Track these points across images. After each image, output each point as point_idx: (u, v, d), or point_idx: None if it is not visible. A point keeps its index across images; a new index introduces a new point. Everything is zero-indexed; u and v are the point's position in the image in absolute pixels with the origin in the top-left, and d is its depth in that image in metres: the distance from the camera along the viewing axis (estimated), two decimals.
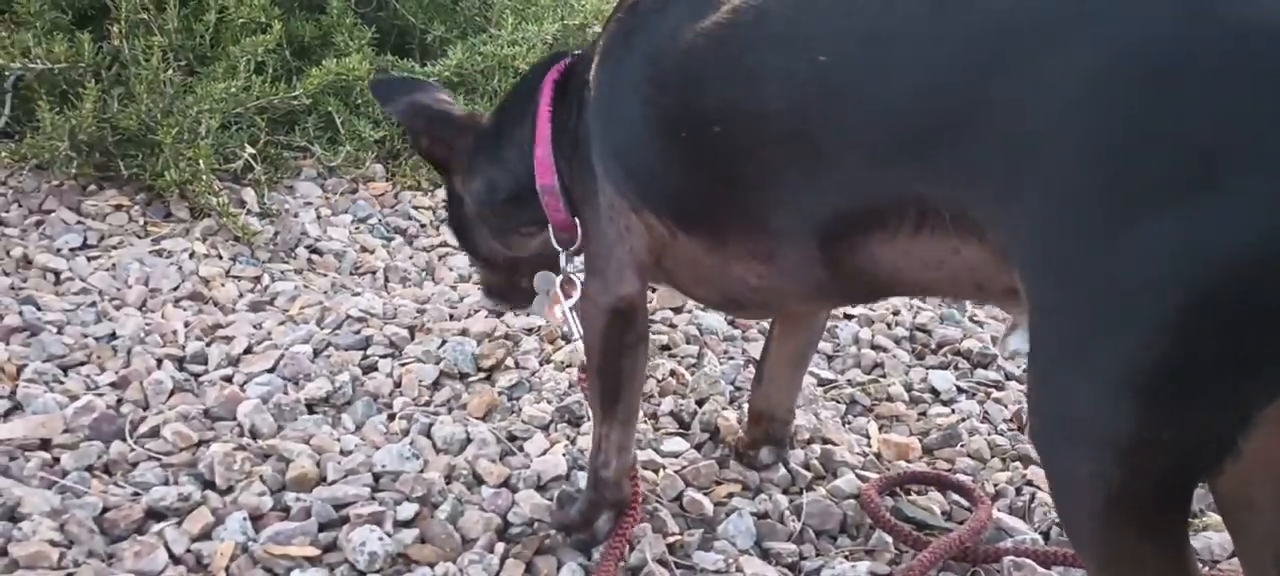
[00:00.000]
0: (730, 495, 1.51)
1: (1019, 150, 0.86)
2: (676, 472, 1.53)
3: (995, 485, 1.58)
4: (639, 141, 1.19)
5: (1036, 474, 1.60)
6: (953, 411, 1.77)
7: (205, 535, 1.34)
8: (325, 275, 2.09)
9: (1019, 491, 1.57)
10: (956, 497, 1.55)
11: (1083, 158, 0.82)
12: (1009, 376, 1.89)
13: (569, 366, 1.78)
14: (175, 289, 1.94)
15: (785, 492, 1.53)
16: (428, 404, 1.67)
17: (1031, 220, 0.86)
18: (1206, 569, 1.46)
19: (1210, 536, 1.50)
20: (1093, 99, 0.82)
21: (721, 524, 1.44)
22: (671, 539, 1.40)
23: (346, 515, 1.38)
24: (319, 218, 2.28)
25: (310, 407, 1.63)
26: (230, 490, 1.42)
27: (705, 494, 1.50)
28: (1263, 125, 0.76)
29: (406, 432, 1.58)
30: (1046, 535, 1.49)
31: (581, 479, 1.50)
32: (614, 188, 1.24)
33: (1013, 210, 0.88)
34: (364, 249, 2.21)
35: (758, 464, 1.57)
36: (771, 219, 1.10)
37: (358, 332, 1.83)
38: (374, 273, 2.12)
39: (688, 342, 1.89)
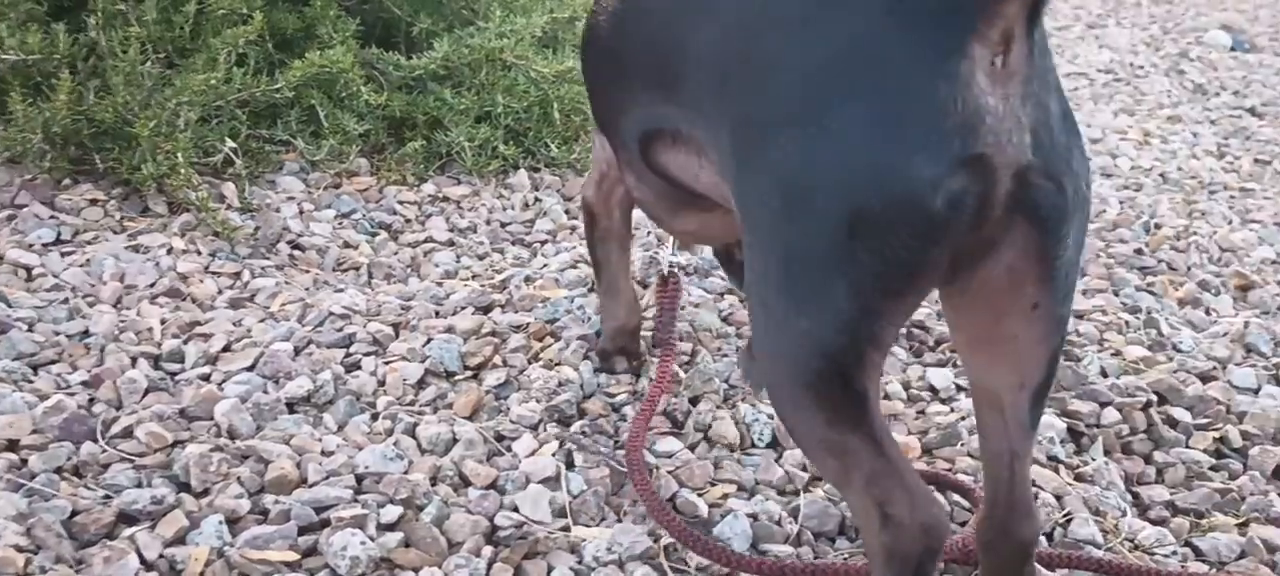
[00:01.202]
0: (725, 496, 1.46)
1: (699, 87, 1.08)
2: (670, 474, 1.48)
3: None
4: (591, 68, 1.47)
5: (1039, 473, 1.56)
6: (951, 410, 1.72)
7: (179, 539, 1.29)
8: (307, 271, 2.03)
9: None
10: (957, 498, 1.50)
11: (728, 92, 1.01)
12: None
13: (558, 365, 1.73)
14: (152, 285, 1.89)
15: (782, 493, 1.49)
16: (412, 403, 1.62)
17: (712, 144, 1.08)
18: (1214, 570, 1.42)
19: (1217, 537, 1.46)
20: (728, 44, 1.01)
21: (717, 526, 1.39)
22: (665, 541, 1.36)
23: (327, 518, 1.33)
24: (301, 213, 2.22)
25: (290, 407, 1.57)
26: (206, 492, 1.37)
27: (700, 495, 1.45)
28: (856, 62, 0.89)
29: (390, 433, 1.53)
30: (1049, 536, 1.45)
31: (573, 480, 1.45)
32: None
33: (705, 135, 1.11)
34: (347, 244, 2.15)
35: None
36: (622, 135, 1.36)
37: (340, 330, 1.77)
38: (357, 269, 2.06)
39: (681, 340, 1.83)
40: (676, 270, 1.76)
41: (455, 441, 1.51)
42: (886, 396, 1.73)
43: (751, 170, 0.96)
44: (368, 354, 1.72)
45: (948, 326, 1.06)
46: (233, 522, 1.32)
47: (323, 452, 1.47)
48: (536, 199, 2.41)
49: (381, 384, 1.65)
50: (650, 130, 1.27)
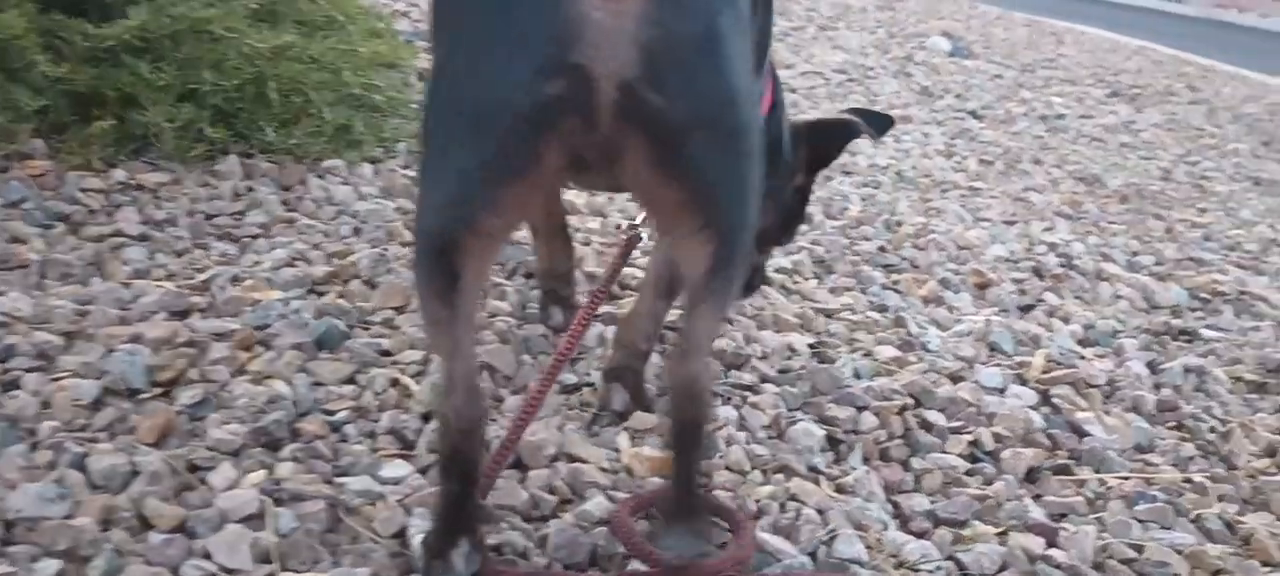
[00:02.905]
0: None
1: None
2: (398, 503, 1.29)
3: (757, 501, 1.43)
4: None
5: (800, 486, 1.46)
6: None
7: None
8: None
9: (783, 507, 1.43)
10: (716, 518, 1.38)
11: None
12: (765, 378, 1.75)
13: (268, 378, 1.50)
14: None
15: (527, 520, 1.32)
16: (84, 428, 1.35)
17: None
18: None
19: (979, 549, 1.40)
20: None
21: (453, 552, 1.21)
22: None
23: None
24: None
25: None
26: None
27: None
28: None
29: (52, 466, 1.26)
30: (814, 555, 1.35)
31: (283, 517, 1.24)
32: None
33: None
34: (15, 238, 1.82)
35: (609, 402, 1.58)
36: None
37: None
38: (26, 267, 1.74)
39: (412, 347, 1.64)
40: (636, 226, 1.68)
41: (135, 474, 1.26)
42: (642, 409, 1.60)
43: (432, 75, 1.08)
44: (31, 369, 1.44)
45: None
46: None
47: None
48: (249, 188, 2.14)
49: (45, 406, 1.38)
50: None
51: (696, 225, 1.08)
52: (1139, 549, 1.47)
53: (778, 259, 2.28)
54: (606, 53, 0.94)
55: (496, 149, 0.99)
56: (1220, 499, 1.65)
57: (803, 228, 2.45)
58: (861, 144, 3.41)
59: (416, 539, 1.22)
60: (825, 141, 1.79)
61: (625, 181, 1.07)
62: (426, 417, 1.48)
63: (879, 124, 1.81)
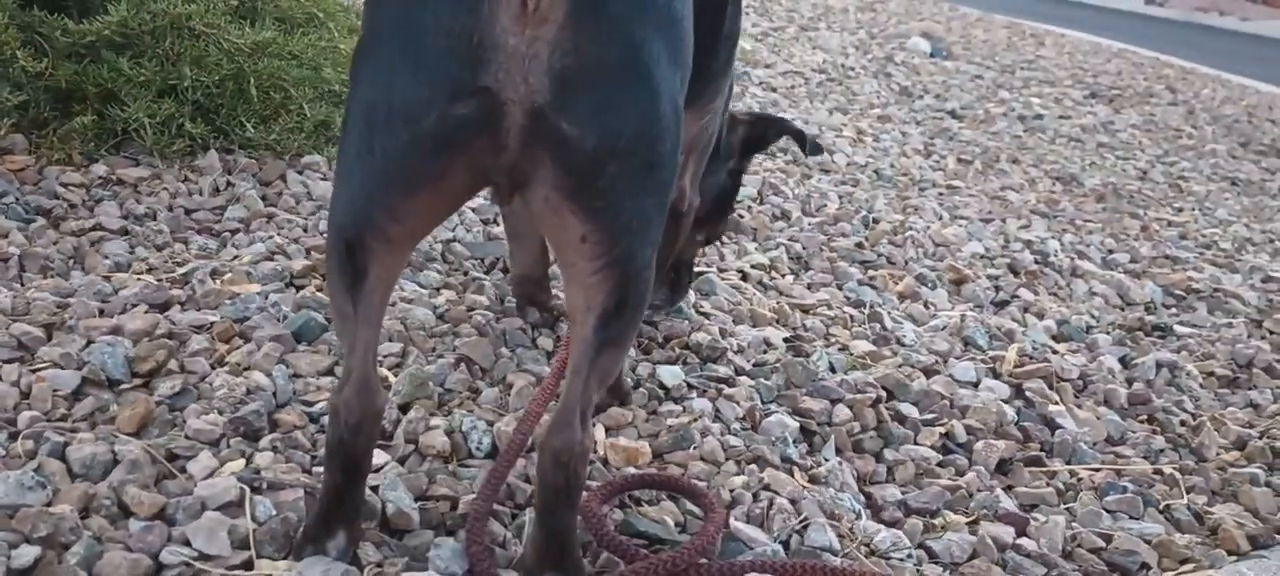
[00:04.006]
0: (441, 516, 1.30)
1: None
2: (373, 491, 1.30)
3: (731, 491, 1.45)
4: None
5: (773, 476, 1.48)
6: (684, 410, 1.62)
7: None
8: None
9: (756, 497, 1.44)
10: (691, 507, 1.40)
11: None
12: (740, 371, 1.76)
13: (247, 370, 1.51)
14: None
15: (501, 505, 1.34)
16: (64, 418, 1.36)
17: None
18: (945, 571, 1.38)
19: (950, 537, 1.42)
20: None
21: (431, 549, 1.23)
22: (369, 573, 1.18)
23: None
24: None
25: None
26: None
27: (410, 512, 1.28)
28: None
29: (32, 455, 1.27)
30: (786, 544, 1.37)
31: (260, 505, 1.25)
32: None
33: None
34: None
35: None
36: None
37: None
38: (5, 260, 1.75)
39: (391, 339, 1.65)
40: None
41: (116, 463, 1.27)
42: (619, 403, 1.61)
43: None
44: (9, 360, 1.45)
45: None
46: None
47: None
48: (229, 183, 2.15)
49: (25, 396, 1.39)
50: None
51: (596, 263, 1.04)
52: (1108, 538, 1.50)
53: (754, 255, 2.30)
54: (517, 78, 0.93)
55: (403, 162, 0.98)
56: (1190, 490, 1.68)
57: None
58: (840, 143, 3.44)
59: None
60: (762, 129, 1.89)
61: (532, 209, 1.03)
62: (404, 409, 1.49)
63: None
